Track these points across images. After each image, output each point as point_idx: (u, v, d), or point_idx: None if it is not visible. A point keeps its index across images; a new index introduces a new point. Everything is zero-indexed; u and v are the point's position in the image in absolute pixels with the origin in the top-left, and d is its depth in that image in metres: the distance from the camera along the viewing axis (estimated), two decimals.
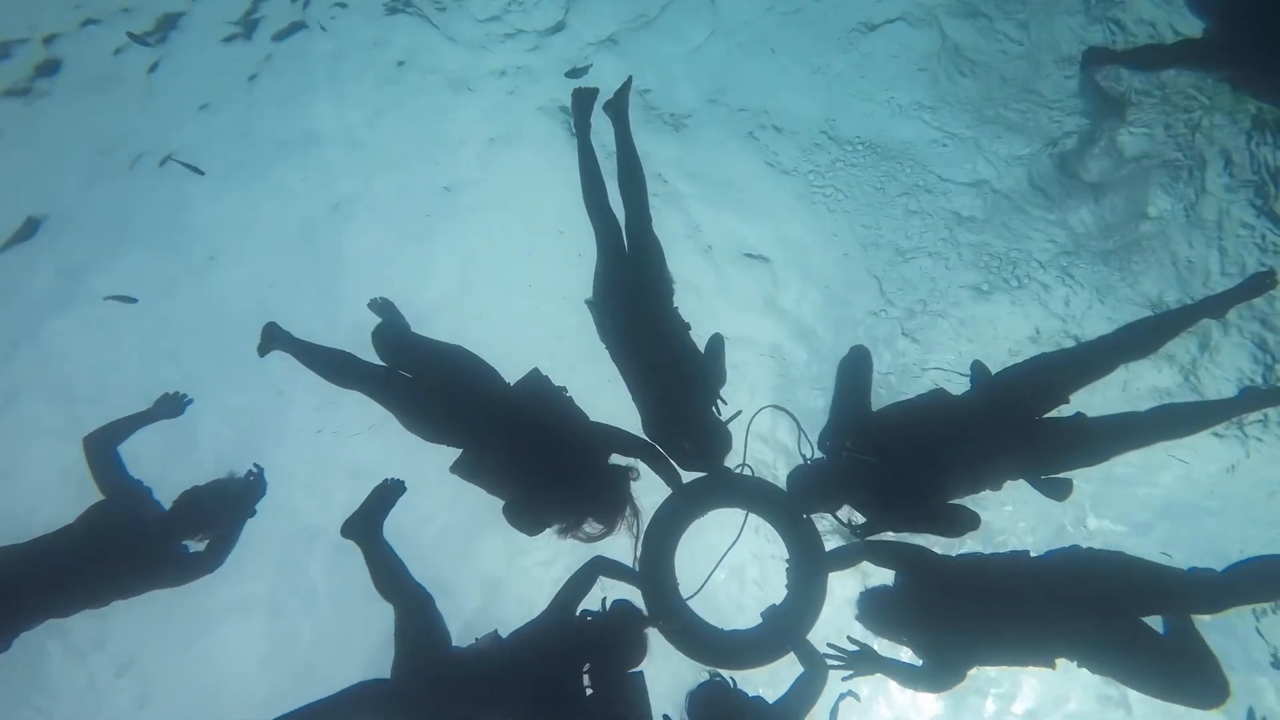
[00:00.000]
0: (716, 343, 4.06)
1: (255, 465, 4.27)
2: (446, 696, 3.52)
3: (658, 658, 3.97)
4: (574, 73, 5.91)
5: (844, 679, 3.75)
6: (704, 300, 6.70)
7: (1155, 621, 3.46)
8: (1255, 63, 4.72)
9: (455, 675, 3.58)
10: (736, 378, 6.61)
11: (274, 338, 4.18)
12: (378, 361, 4.01)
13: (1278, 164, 5.42)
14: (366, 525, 3.97)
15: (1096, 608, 3.39)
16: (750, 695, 3.70)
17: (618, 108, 4.26)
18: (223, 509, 4.09)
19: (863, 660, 3.71)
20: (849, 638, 3.77)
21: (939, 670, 3.55)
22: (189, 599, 4.15)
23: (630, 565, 4.01)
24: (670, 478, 4.02)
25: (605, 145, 4.33)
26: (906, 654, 3.79)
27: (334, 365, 4.02)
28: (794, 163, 6.37)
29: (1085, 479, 4.82)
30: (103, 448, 4.03)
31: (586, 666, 3.67)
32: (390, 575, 3.87)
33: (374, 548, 3.94)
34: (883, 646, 3.87)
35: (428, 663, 3.62)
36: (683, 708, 3.69)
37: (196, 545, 4.07)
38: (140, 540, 3.86)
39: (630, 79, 4.37)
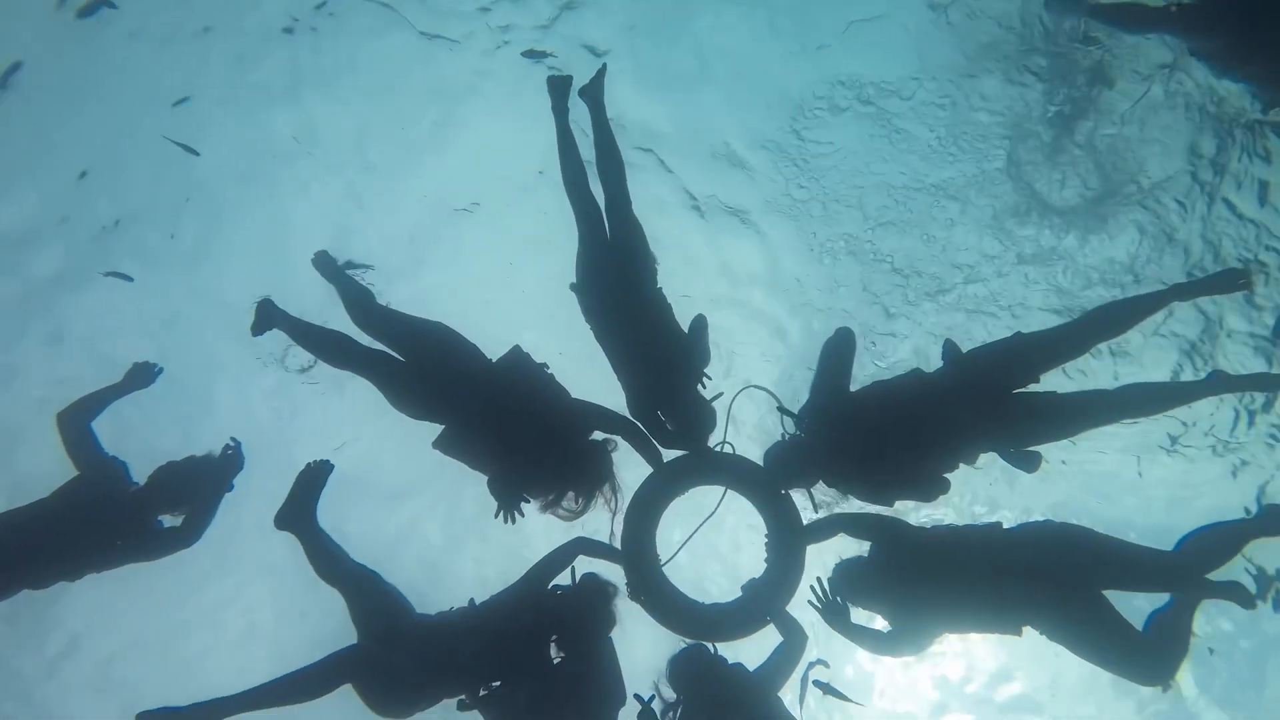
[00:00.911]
0: (700, 323, 4.11)
1: (233, 440, 4.27)
2: (412, 662, 3.55)
3: (641, 629, 4.05)
4: (531, 54, 5.83)
5: (810, 665, 3.86)
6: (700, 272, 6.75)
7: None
8: (1237, 34, 4.74)
9: (419, 642, 3.62)
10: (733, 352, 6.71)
11: (270, 316, 4.12)
12: (371, 343, 4.01)
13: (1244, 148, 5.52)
14: (298, 513, 3.93)
15: (1063, 580, 3.49)
16: (730, 663, 3.79)
17: (593, 94, 4.27)
18: (198, 485, 4.10)
19: (835, 614, 3.80)
20: (825, 589, 3.85)
21: (907, 636, 3.66)
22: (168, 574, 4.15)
23: (609, 543, 4.06)
24: (651, 456, 4.08)
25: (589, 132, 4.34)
26: (879, 624, 3.88)
27: (331, 347, 4.01)
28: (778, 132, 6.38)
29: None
30: (76, 423, 4.01)
31: (554, 636, 3.73)
32: (329, 561, 3.86)
33: (309, 536, 3.91)
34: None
35: (388, 632, 3.65)
36: (663, 672, 3.77)
37: (173, 520, 4.08)
38: (115, 515, 3.87)
39: (604, 66, 4.39)
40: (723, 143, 6.39)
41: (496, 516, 3.81)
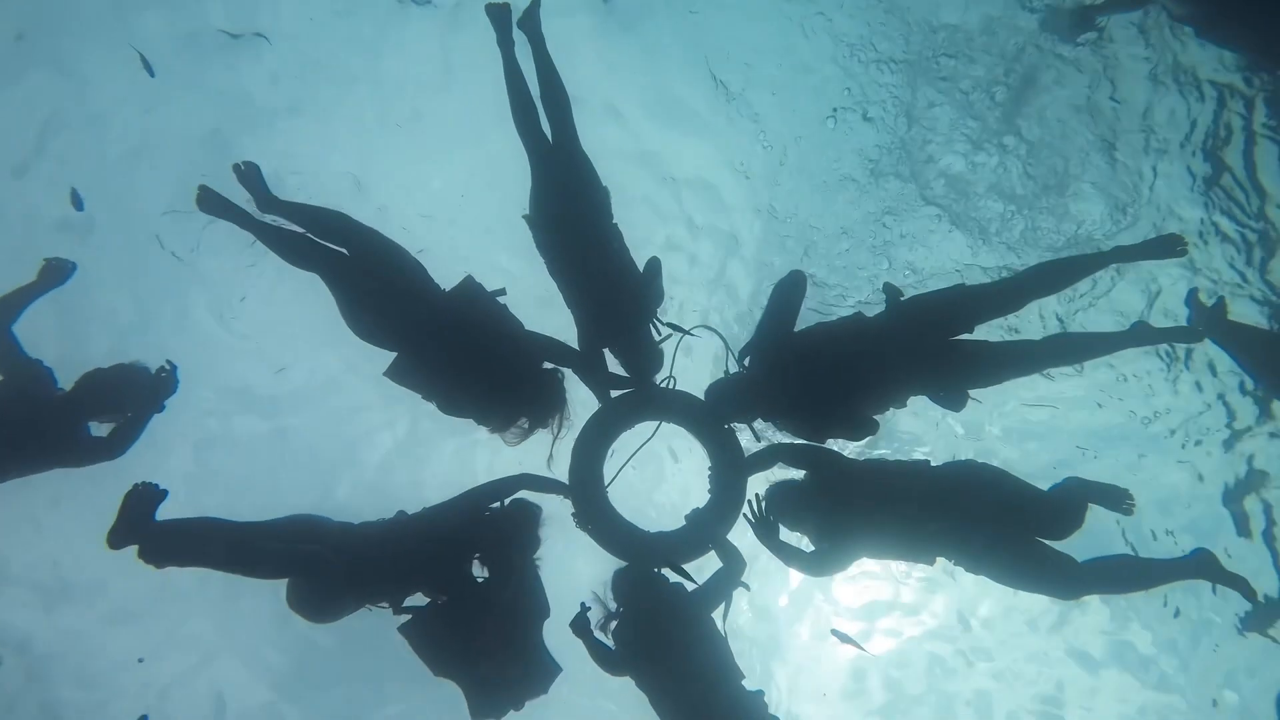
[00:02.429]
0: (654, 265, 4.15)
1: (168, 362, 4.22)
2: (334, 562, 3.57)
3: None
4: None
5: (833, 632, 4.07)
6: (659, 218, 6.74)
7: None
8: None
9: (347, 547, 3.66)
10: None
11: (213, 204, 3.85)
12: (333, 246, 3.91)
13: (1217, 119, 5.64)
14: (132, 532, 3.38)
15: (975, 515, 3.75)
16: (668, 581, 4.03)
17: (529, 26, 4.16)
18: (126, 394, 4.07)
19: (765, 530, 4.01)
20: (758, 507, 4.05)
21: (830, 558, 3.91)
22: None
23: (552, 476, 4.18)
24: (599, 390, 4.19)
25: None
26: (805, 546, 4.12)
27: (289, 246, 3.87)
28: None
29: None
30: None
31: (478, 554, 3.87)
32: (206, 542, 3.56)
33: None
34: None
35: (309, 533, 3.68)
36: (607, 587, 4.00)
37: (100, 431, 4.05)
38: (40, 418, 3.83)
39: None
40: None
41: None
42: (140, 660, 6.93)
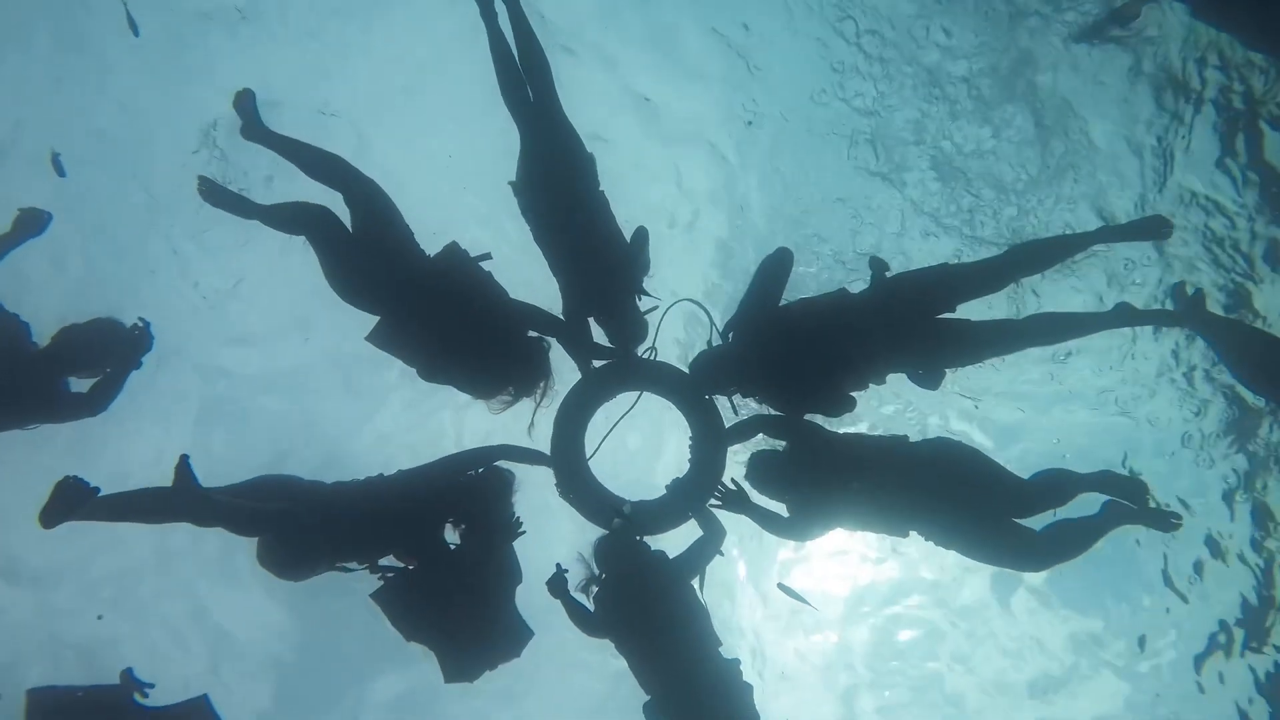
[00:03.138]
0: (641, 234, 4.13)
1: (141, 319, 4.20)
2: (306, 519, 3.58)
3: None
4: None
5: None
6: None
7: None
8: None
9: (318, 505, 3.68)
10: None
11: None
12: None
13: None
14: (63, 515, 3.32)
15: (948, 490, 3.81)
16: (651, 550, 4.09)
17: None
18: (102, 351, 4.05)
19: (735, 500, 4.07)
20: (724, 486, 4.12)
21: (804, 526, 3.98)
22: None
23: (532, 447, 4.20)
24: (582, 361, 4.19)
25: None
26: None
27: (280, 213, 3.86)
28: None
29: None
30: None
31: (451, 520, 3.90)
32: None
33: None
34: None
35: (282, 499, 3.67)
36: (589, 555, 4.06)
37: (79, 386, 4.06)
38: (16, 374, 3.81)
39: None
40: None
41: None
42: (99, 617, 6.98)
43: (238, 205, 3.96)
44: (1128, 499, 4.07)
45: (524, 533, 4.06)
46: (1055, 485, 4.04)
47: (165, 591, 7.39)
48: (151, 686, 4.16)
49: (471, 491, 3.93)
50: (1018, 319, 4.34)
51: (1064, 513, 4.07)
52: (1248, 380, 5.34)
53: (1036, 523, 3.97)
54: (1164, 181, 5.99)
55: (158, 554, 7.25)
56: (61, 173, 6.10)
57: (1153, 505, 4.08)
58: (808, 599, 4.44)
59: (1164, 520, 4.10)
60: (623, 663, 3.94)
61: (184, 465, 3.36)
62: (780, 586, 4.38)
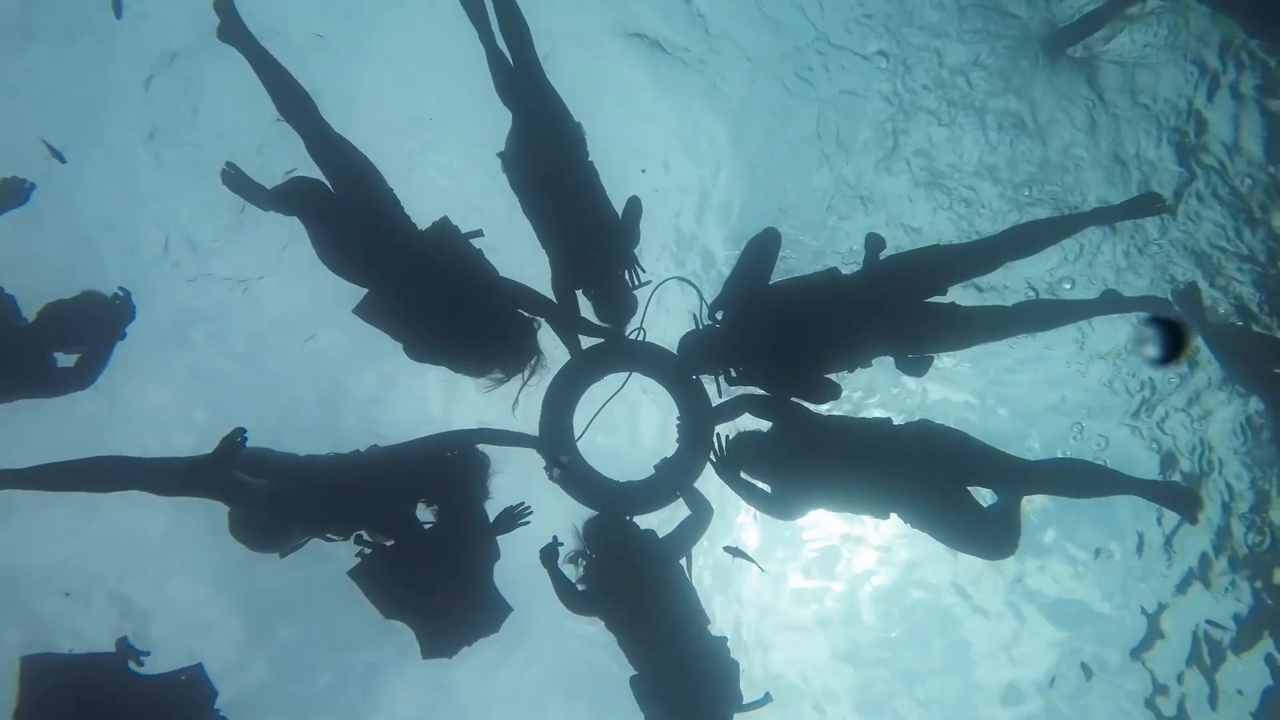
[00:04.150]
0: (634, 205, 4.08)
1: (121, 289, 4.18)
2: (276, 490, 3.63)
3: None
4: None
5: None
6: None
7: None
8: None
9: (287, 478, 3.72)
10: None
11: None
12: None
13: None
14: None
15: (932, 473, 3.82)
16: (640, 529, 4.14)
17: None
18: (88, 326, 4.05)
19: (725, 467, 4.06)
20: (723, 446, 4.10)
21: (787, 504, 4.01)
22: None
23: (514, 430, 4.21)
24: (570, 342, 4.19)
25: None
26: None
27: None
28: None
29: None
30: None
31: (424, 499, 3.93)
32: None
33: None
34: None
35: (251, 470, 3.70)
36: (579, 535, 4.11)
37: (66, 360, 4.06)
38: (4, 349, 3.81)
39: None
40: None
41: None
42: (67, 594, 7.03)
43: (254, 194, 3.92)
44: (1178, 509, 4.09)
45: (528, 523, 4.08)
46: (1071, 475, 4.07)
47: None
48: (147, 654, 4.20)
49: (445, 473, 3.95)
50: (1007, 305, 4.34)
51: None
52: (1240, 375, 5.37)
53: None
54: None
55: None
56: (61, 159, 6.05)
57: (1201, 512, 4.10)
58: (755, 559, 4.50)
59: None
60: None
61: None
62: (727, 549, 4.42)
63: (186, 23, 5.96)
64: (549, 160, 3.88)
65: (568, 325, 4.14)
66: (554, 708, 8.71)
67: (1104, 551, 7.26)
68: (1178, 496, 4.20)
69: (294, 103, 3.75)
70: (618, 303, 4.09)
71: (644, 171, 6.66)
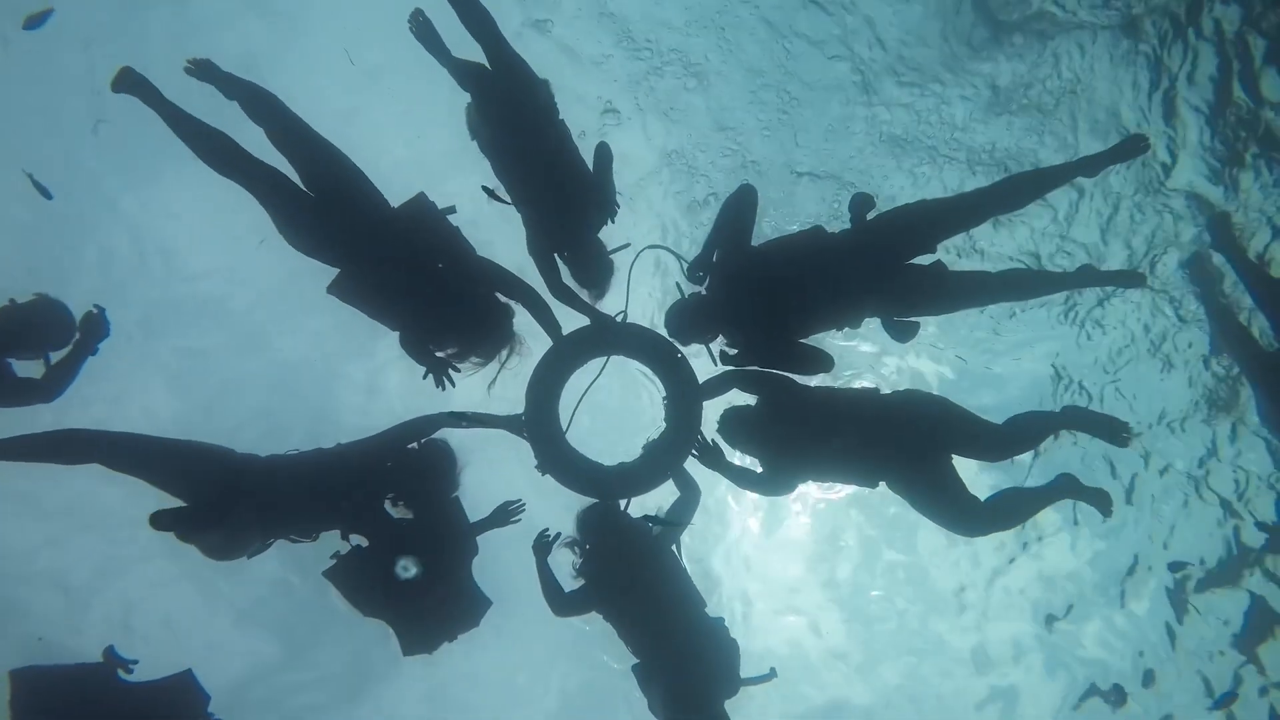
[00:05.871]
0: (604, 151, 3.95)
1: (96, 306, 4.09)
2: (245, 493, 3.58)
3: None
4: None
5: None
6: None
7: None
8: None
9: (249, 479, 3.66)
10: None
11: (134, 83, 3.59)
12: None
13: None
14: None
15: (918, 441, 3.83)
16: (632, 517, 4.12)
17: None
18: (41, 332, 3.94)
19: (709, 454, 4.06)
20: (701, 438, 4.09)
21: (777, 480, 3.99)
22: None
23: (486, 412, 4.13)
24: (551, 327, 4.08)
25: None
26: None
27: (211, 147, 3.56)
28: None
29: None
30: None
31: (391, 494, 3.85)
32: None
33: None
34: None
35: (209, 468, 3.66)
36: (573, 526, 4.09)
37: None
38: None
39: None
40: None
41: (425, 378, 3.81)
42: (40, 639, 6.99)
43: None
44: (1103, 436, 4.10)
45: (519, 520, 4.06)
46: (1027, 427, 4.07)
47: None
48: (135, 663, 4.16)
49: (412, 467, 3.88)
50: (993, 271, 4.32)
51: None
52: (1265, 305, 5.29)
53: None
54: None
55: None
56: (47, 195, 5.92)
57: (1126, 435, 4.06)
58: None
59: (1104, 502, 4.11)
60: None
61: None
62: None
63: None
64: (520, 109, 3.76)
65: (549, 311, 4.03)
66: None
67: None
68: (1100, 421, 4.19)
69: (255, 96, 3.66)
70: (595, 265, 3.98)
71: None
